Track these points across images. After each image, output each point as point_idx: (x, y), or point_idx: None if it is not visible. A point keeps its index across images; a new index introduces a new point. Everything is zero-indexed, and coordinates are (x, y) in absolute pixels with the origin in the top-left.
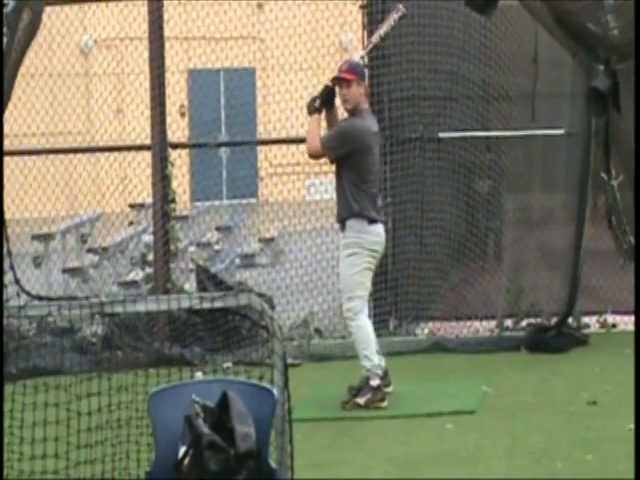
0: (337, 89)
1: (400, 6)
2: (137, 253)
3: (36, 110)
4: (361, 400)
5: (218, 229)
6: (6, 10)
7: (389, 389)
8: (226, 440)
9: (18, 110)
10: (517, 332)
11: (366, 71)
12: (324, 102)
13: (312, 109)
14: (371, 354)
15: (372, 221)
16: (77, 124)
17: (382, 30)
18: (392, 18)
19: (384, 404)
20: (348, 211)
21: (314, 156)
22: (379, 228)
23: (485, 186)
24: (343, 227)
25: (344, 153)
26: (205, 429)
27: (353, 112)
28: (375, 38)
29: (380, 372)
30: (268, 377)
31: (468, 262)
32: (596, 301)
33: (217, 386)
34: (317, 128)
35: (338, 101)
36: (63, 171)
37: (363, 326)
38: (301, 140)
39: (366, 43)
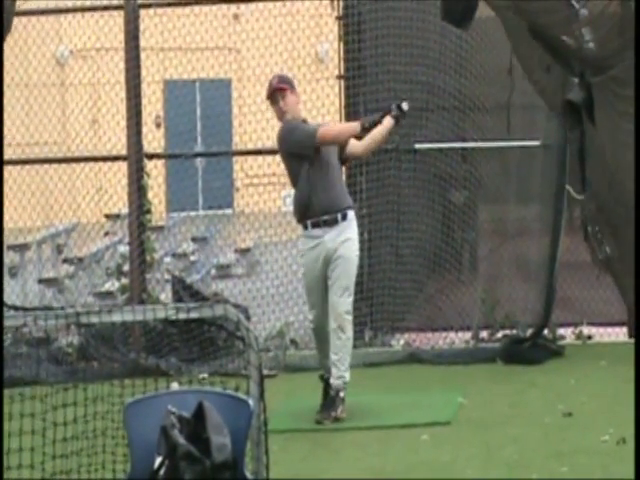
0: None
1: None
2: (113, 263)
3: (11, 120)
4: (337, 412)
5: (194, 240)
6: None
7: None
8: (202, 451)
9: None
10: (492, 343)
11: (341, 82)
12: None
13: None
14: (348, 367)
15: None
16: (53, 134)
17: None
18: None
19: (345, 415)
20: (347, 201)
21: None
22: None
23: (461, 197)
24: (343, 218)
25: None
26: (181, 440)
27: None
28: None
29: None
30: (244, 388)
31: (443, 273)
32: (572, 313)
33: (193, 397)
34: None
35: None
36: (39, 181)
37: (352, 338)
38: (277, 151)
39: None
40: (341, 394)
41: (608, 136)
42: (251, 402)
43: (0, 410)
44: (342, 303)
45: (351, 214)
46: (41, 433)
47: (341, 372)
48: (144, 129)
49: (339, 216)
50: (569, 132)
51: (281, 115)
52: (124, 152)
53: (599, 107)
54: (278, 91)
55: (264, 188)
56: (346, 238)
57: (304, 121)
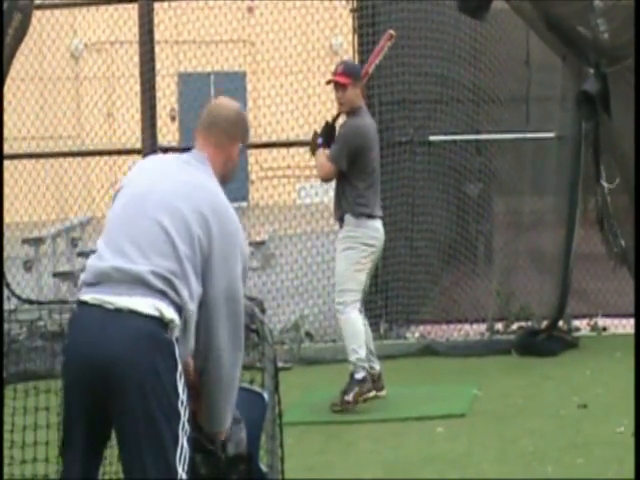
0: (334, 93)
1: (391, 31)
2: None
3: (26, 114)
4: (349, 396)
5: None
6: None
7: (382, 393)
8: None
9: (8, 114)
10: (507, 335)
11: None
12: (326, 140)
13: (316, 147)
14: (359, 348)
15: (370, 216)
16: (67, 128)
17: (378, 59)
18: (386, 46)
19: (372, 394)
20: (347, 205)
21: (328, 179)
22: (377, 223)
23: (475, 189)
24: (342, 222)
25: (352, 158)
26: (196, 433)
27: (350, 112)
28: (372, 68)
29: (366, 365)
30: (259, 381)
31: (458, 265)
32: (587, 304)
33: None
34: (324, 158)
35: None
36: (53, 175)
37: (352, 320)
38: (291, 144)
39: (364, 72)
40: (356, 376)
41: (625, 126)
42: (266, 395)
43: (1, 405)
44: (335, 296)
45: (347, 217)
46: (56, 427)
47: (349, 357)
48: (159, 122)
49: (340, 222)
50: (585, 123)
51: (339, 104)
52: (139, 145)
53: (615, 98)
54: (337, 84)
55: (279, 181)
56: (338, 238)
57: (356, 112)
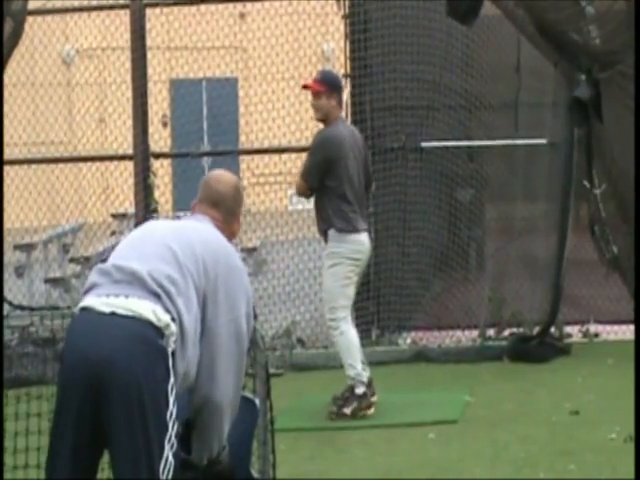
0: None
1: None
2: None
3: (18, 120)
4: (348, 410)
5: None
6: None
7: (373, 399)
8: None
9: None
10: (499, 342)
11: (347, 81)
12: None
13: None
14: (355, 362)
15: (353, 230)
16: (59, 134)
17: None
18: None
19: (370, 411)
20: (328, 222)
21: (303, 195)
22: (361, 236)
23: (467, 196)
24: (326, 238)
25: (322, 170)
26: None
27: (325, 122)
28: None
29: (365, 380)
30: (250, 387)
31: (450, 272)
32: (579, 311)
33: None
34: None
35: None
36: (45, 181)
37: (346, 334)
38: (283, 150)
39: None
40: (357, 391)
41: (616, 132)
42: (257, 401)
43: (1, 411)
44: (327, 313)
45: (331, 232)
46: (48, 433)
47: (347, 371)
48: (150, 128)
49: (324, 236)
50: (577, 129)
51: (314, 110)
52: (130, 151)
53: (607, 103)
54: (311, 91)
55: (270, 187)
56: (324, 255)
57: (331, 123)
